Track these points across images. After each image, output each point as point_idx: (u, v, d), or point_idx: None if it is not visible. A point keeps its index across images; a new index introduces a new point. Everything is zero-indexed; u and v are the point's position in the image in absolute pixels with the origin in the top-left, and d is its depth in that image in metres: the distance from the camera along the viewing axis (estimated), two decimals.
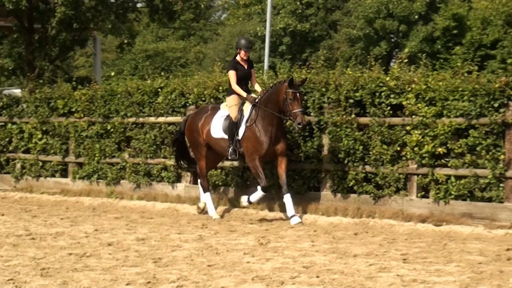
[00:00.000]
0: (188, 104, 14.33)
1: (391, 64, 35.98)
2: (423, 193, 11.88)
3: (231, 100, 12.24)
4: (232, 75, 12.21)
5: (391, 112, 12.13)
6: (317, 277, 7.39)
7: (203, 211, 12.82)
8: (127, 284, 7.05)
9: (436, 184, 11.70)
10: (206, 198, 12.74)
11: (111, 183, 15.33)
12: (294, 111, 11.52)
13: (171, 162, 14.41)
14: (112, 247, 9.25)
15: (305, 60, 34.50)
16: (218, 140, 12.38)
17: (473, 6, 40.03)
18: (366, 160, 12.27)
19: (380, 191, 12.17)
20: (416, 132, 11.75)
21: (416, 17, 39.90)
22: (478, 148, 11.28)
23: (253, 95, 12.24)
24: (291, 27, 43.12)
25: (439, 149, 11.57)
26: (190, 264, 8.11)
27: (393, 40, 42.15)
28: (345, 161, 12.42)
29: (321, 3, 44.25)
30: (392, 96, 12.10)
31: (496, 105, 11.12)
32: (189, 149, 13.40)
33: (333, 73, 13.01)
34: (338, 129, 12.45)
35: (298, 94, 11.61)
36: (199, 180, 13.03)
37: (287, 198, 11.75)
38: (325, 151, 12.70)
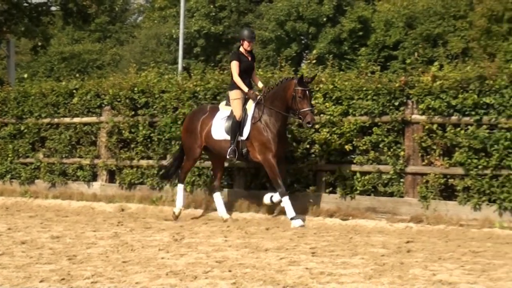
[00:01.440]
0: (103, 105, 14.21)
1: (302, 64, 36.33)
2: (330, 188, 12.06)
3: (234, 94, 11.43)
4: (234, 65, 11.40)
5: None
6: (229, 271, 7.39)
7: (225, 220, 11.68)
8: (40, 281, 6.89)
9: (343, 180, 11.90)
10: (178, 189, 12.13)
11: (25, 183, 15.03)
12: (304, 109, 10.84)
13: (86, 161, 14.26)
14: (26, 245, 9.02)
15: (219, 61, 34.53)
16: (219, 141, 11.57)
17: (377, 9, 40.82)
18: None
19: (291, 187, 12.29)
20: (324, 130, 11.91)
21: (325, 19, 40.40)
22: (380, 145, 11.54)
23: (255, 92, 11.53)
24: (205, 29, 43.04)
25: (346, 146, 11.76)
26: (105, 260, 8.00)
27: (303, 41, 42.56)
28: None
29: (234, 6, 44.33)
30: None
31: (396, 103, 11.40)
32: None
33: None
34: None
35: (307, 92, 10.93)
36: (214, 196, 11.98)
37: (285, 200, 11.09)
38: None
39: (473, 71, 10.93)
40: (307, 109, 10.83)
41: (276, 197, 11.25)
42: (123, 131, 13.83)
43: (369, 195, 11.74)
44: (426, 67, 11.78)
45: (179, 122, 13.17)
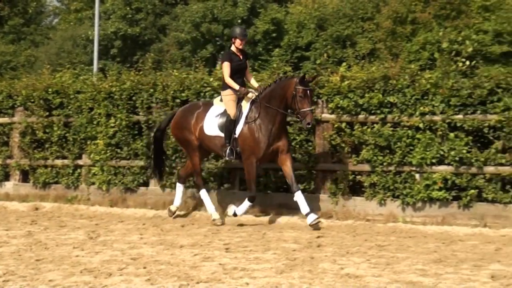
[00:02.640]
0: (16, 106, 13.91)
1: (216, 66, 36.31)
2: (245, 186, 12.10)
3: (227, 93, 10.82)
4: (226, 67, 10.79)
5: None
6: (144, 268, 7.35)
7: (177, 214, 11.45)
8: None
9: (256, 177, 11.93)
10: (202, 195, 11.38)
11: None
12: (304, 109, 10.24)
13: None
14: None
15: (135, 62, 34.18)
16: (212, 138, 10.94)
17: (290, 11, 41.18)
18: None
19: (206, 185, 12.28)
20: None
21: (239, 21, 40.52)
22: (292, 143, 11.63)
23: (248, 89, 10.91)
24: (122, 31, 42.52)
25: None
26: (18, 259, 7.81)
27: (218, 43, 42.58)
28: (173, 158, 12.46)
29: (150, 8, 43.95)
30: (215, 95, 12.25)
31: None
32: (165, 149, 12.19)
33: (160, 74, 13.03)
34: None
35: (308, 92, 10.35)
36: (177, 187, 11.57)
37: (299, 195, 10.55)
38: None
39: (378, 71, 11.17)
40: (307, 109, 10.26)
41: (311, 218, 10.37)
42: (37, 132, 13.56)
43: (282, 192, 11.84)
44: (336, 67, 11.97)
45: (94, 122, 13.03)
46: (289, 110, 10.58)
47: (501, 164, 10.40)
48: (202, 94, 12.33)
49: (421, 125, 10.83)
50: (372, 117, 11.15)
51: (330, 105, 11.37)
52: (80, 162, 13.26)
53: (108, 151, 12.87)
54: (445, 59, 11.11)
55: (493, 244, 8.92)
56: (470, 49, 11.58)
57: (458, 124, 10.64)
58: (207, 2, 40.72)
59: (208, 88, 12.32)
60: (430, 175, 10.68)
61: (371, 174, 11.12)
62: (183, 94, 12.45)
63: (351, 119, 11.29)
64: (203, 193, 11.36)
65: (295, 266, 7.49)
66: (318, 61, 12.42)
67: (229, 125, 10.72)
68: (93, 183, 13.12)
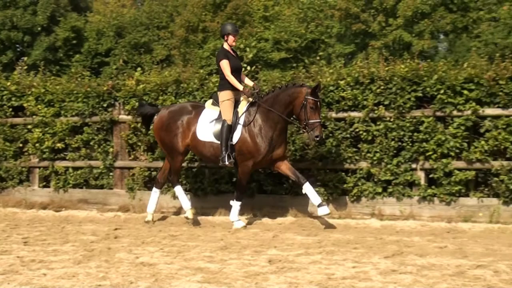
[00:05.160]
0: None
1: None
2: (44, 183, 11.81)
3: (225, 95, 9.56)
4: (225, 64, 9.51)
5: (13, 113, 11.94)
6: None
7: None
8: None
9: (56, 175, 11.72)
10: (177, 191, 10.13)
11: None
12: (313, 121, 9.17)
13: None
14: None
15: None
16: (207, 143, 9.67)
17: (89, 20, 40.60)
18: None
19: (4, 183, 11.91)
20: (37, 130, 11.69)
21: (39, 29, 39.31)
22: (91, 143, 11.51)
23: (251, 91, 9.71)
24: None
25: (58, 145, 11.60)
26: None
27: (18, 49, 40.96)
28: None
29: None
30: (13, 99, 11.96)
31: (105, 105, 11.43)
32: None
33: None
34: None
35: (319, 103, 9.32)
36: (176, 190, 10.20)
37: (307, 187, 9.44)
38: None
39: (171, 75, 11.28)
40: (316, 121, 9.24)
41: (323, 211, 9.38)
42: None
43: (81, 188, 11.67)
44: (134, 72, 11.96)
45: None
46: (292, 118, 9.60)
47: None
48: None
49: None
50: None
51: (127, 107, 11.33)
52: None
53: None
54: None
55: (271, 232, 9.23)
56: (251, 55, 12.00)
57: None
58: (6, 10, 39.11)
59: (6, 92, 12.01)
60: (218, 170, 10.94)
61: None
62: None
63: None
64: (178, 189, 10.17)
65: (93, 256, 7.42)
66: (114, 66, 12.33)
67: (226, 132, 9.49)
68: None
